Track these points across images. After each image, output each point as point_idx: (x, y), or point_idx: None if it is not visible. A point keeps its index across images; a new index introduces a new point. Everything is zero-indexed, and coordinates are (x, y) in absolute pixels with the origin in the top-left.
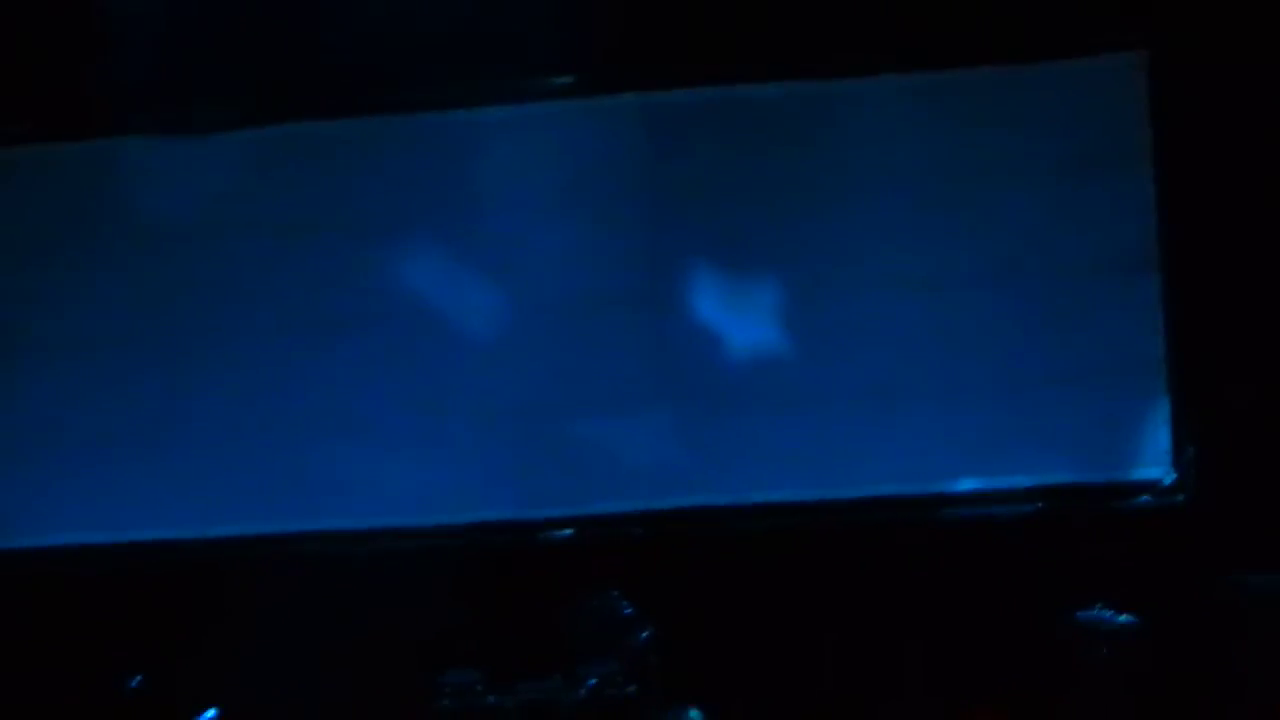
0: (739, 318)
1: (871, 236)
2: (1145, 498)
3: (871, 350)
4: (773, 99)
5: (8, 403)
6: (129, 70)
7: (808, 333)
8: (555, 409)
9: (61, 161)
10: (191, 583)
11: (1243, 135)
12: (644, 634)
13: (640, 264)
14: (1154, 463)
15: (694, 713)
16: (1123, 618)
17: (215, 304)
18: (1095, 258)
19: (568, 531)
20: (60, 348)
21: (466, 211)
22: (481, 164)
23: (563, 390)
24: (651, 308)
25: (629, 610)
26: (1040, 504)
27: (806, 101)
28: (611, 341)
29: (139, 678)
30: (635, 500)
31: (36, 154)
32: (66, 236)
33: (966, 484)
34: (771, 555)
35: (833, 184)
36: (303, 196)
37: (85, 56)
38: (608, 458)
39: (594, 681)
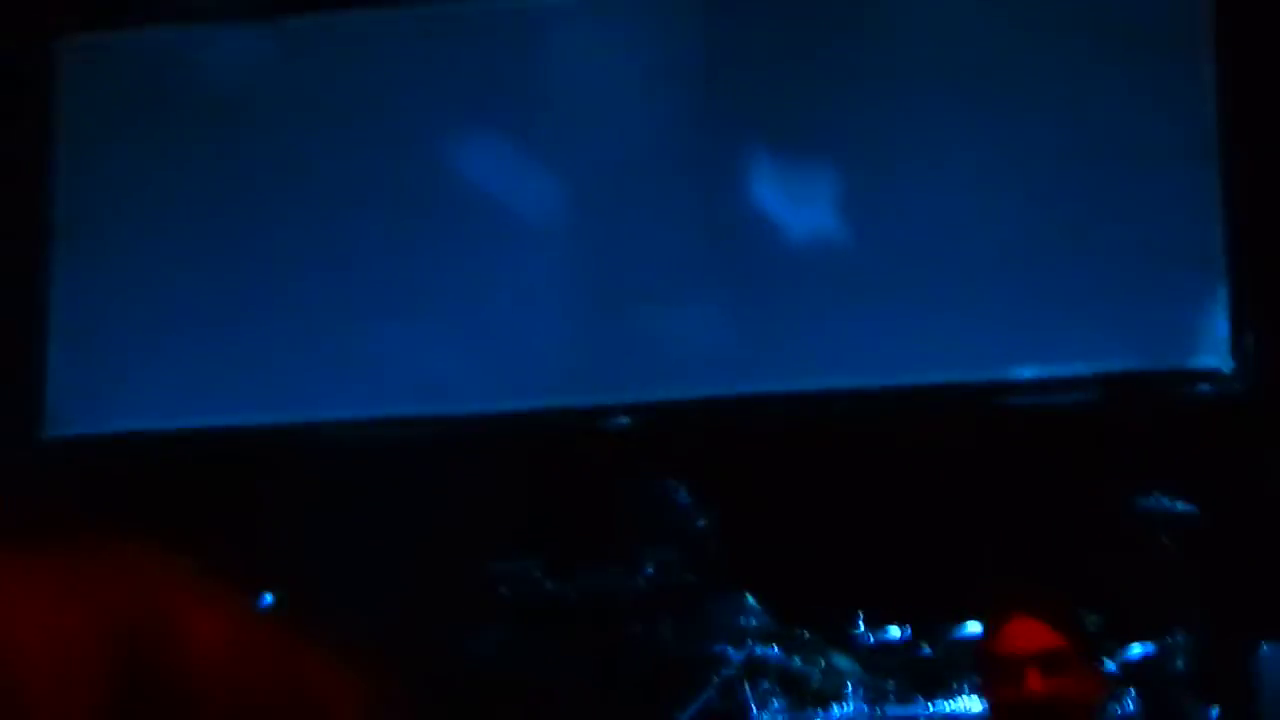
0: (796, 203)
1: (930, 122)
2: (1204, 386)
3: (928, 234)
4: None
5: (88, 286)
6: None
7: (865, 219)
8: (611, 295)
9: (122, 47)
10: (247, 470)
11: None
12: (702, 522)
13: (697, 148)
14: (1213, 351)
15: (751, 600)
16: (1181, 506)
17: (270, 189)
18: (1155, 144)
19: (625, 419)
20: (125, 228)
21: (519, 99)
22: (533, 51)
23: (619, 277)
24: (708, 193)
25: (687, 498)
26: (1098, 392)
27: None
28: (667, 227)
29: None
30: (692, 387)
31: (98, 40)
32: (140, 121)
33: (1024, 371)
34: (829, 442)
35: (887, 67)
36: (356, 83)
37: None
38: (665, 344)
39: (652, 569)
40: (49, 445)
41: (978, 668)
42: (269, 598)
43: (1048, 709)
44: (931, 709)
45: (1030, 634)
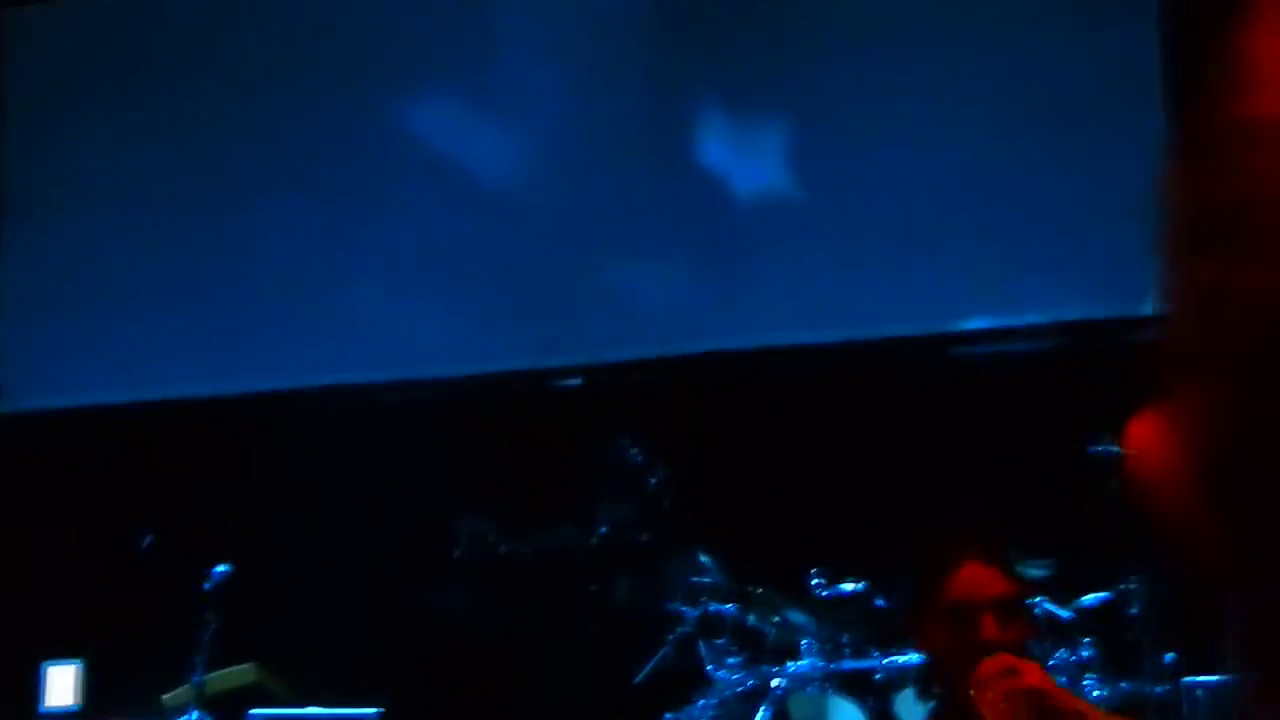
0: (750, 159)
1: (880, 73)
2: (1156, 332)
3: (881, 189)
4: None
5: (38, 258)
6: None
7: (818, 173)
8: (564, 256)
9: (68, 16)
10: (203, 440)
11: None
12: (654, 480)
13: (650, 106)
14: None
15: (705, 558)
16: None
17: (223, 157)
18: (1109, 89)
19: (577, 379)
20: (75, 201)
21: (473, 56)
22: (489, 8)
23: (571, 237)
24: (662, 150)
25: (640, 456)
26: (1051, 340)
27: None
28: (620, 186)
29: (150, 537)
30: (645, 346)
31: (44, 11)
32: (94, 84)
33: (980, 321)
34: (781, 398)
35: (838, 19)
36: (305, 44)
37: None
38: (618, 303)
39: (605, 528)
40: (3, 419)
41: (913, 616)
42: (226, 567)
43: (995, 651)
44: (887, 661)
45: (984, 580)
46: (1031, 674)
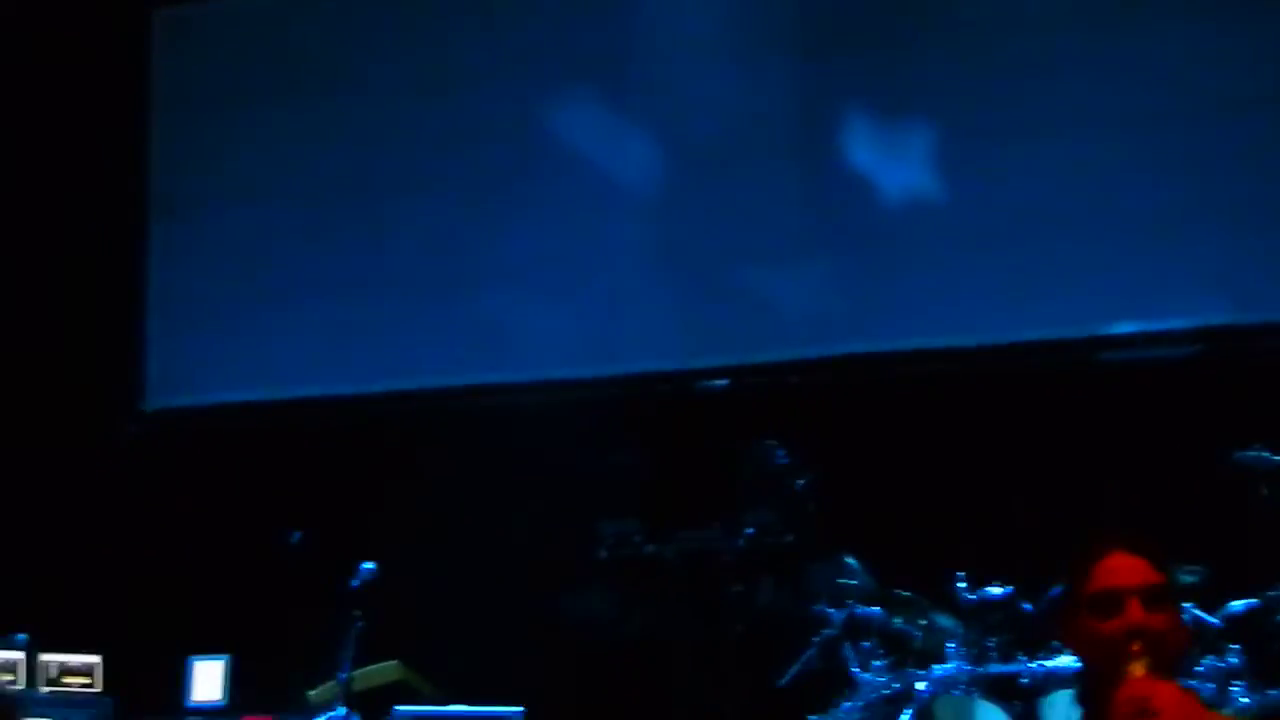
0: (893, 162)
1: (1025, 76)
2: None
3: (1025, 192)
4: None
5: (189, 258)
6: None
7: (962, 176)
8: (710, 258)
9: (218, 17)
10: (349, 438)
11: None
12: (801, 482)
13: (794, 110)
14: None
15: (851, 560)
16: None
17: (369, 159)
18: (1256, 93)
19: (724, 381)
20: (221, 201)
21: (620, 61)
22: (634, 12)
23: (717, 239)
24: (806, 155)
25: (786, 459)
26: (1198, 346)
27: None
28: (766, 189)
29: (299, 533)
30: (792, 348)
31: (205, 11)
32: (238, 92)
33: (1124, 327)
34: (928, 401)
35: (985, 24)
36: (454, 50)
37: None
38: (764, 306)
39: (752, 530)
40: (150, 417)
41: (1064, 617)
42: (372, 565)
43: (1148, 638)
44: (1034, 666)
45: (1131, 568)
46: (1166, 712)
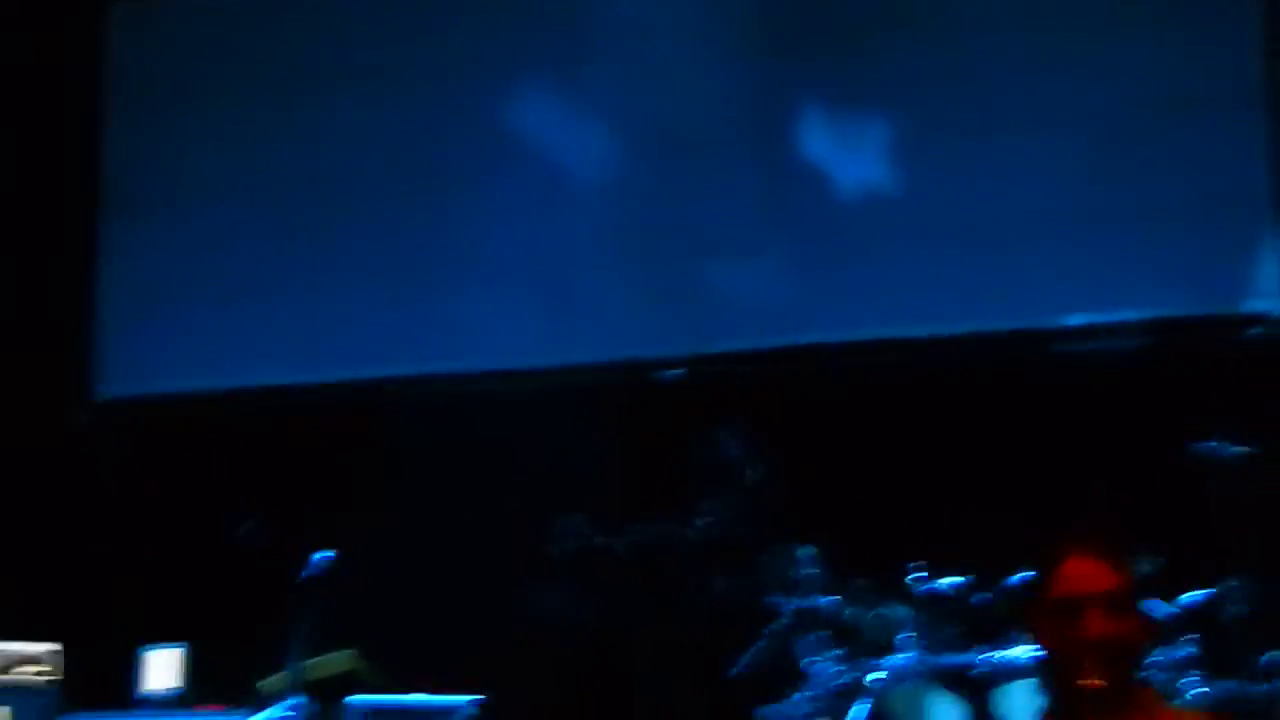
0: (849, 155)
1: (981, 72)
2: (1256, 329)
3: (979, 184)
4: None
5: (142, 251)
6: None
7: (917, 168)
8: (666, 249)
9: (174, 11)
10: (301, 427)
11: None
12: (754, 473)
13: (752, 101)
14: (1265, 295)
15: (804, 551)
16: (1235, 449)
17: (324, 153)
18: (1205, 90)
19: (679, 371)
20: (176, 196)
21: (577, 53)
22: (590, 8)
23: (673, 231)
24: (762, 147)
25: (739, 449)
26: (1150, 337)
27: None
28: (722, 181)
29: (253, 523)
30: (746, 339)
31: (161, 5)
32: (189, 88)
33: (1077, 318)
34: (882, 392)
35: (937, 19)
36: (416, 46)
37: None
38: (720, 296)
39: (704, 521)
40: (103, 406)
41: (1030, 612)
42: (326, 555)
43: (1108, 648)
44: (988, 657)
45: (1091, 574)
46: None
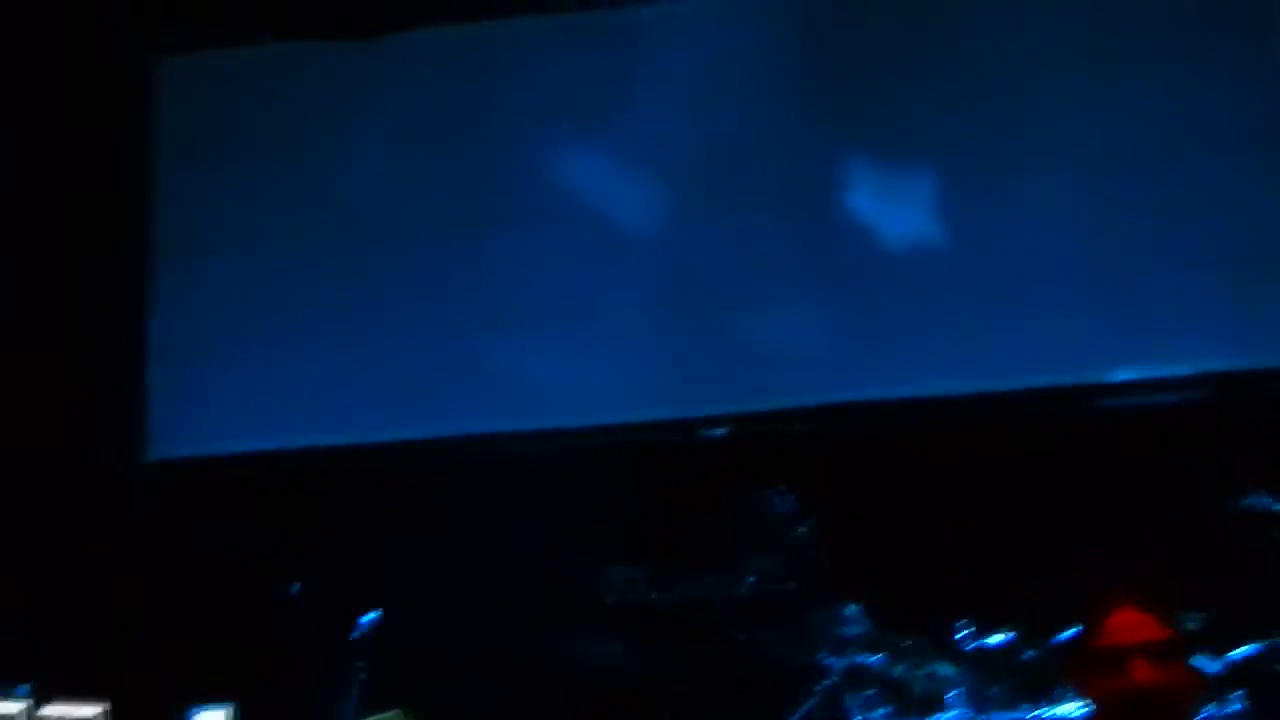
0: (893, 207)
1: (1025, 119)
2: None
3: (1028, 236)
4: None
5: (181, 306)
6: None
7: (963, 220)
8: (711, 305)
9: (220, 65)
10: (353, 487)
11: None
12: (802, 530)
13: (794, 156)
14: None
15: (853, 608)
16: None
17: (370, 207)
18: (1256, 139)
19: (723, 429)
20: (225, 250)
21: (621, 109)
22: (633, 62)
23: (718, 286)
24: (806, 200)
25: (787, 506)
26: (1200, 391)
27: None
28: (767, 235)
29: (299, 584)
30: (791, 396)
31: (208, 60)
32: (236, 141)
33: (1125, 373)
34: (930, 448)
35: (981, 67)
36: (461, 98)
37: None
38: (765, 353)
39: (754, 578)
40: (152, 468)
41: (1078, 664)
42: (375, 614)
43: (1152, 699)
44: (1036, 713)
45: (1135, 626)
46: None
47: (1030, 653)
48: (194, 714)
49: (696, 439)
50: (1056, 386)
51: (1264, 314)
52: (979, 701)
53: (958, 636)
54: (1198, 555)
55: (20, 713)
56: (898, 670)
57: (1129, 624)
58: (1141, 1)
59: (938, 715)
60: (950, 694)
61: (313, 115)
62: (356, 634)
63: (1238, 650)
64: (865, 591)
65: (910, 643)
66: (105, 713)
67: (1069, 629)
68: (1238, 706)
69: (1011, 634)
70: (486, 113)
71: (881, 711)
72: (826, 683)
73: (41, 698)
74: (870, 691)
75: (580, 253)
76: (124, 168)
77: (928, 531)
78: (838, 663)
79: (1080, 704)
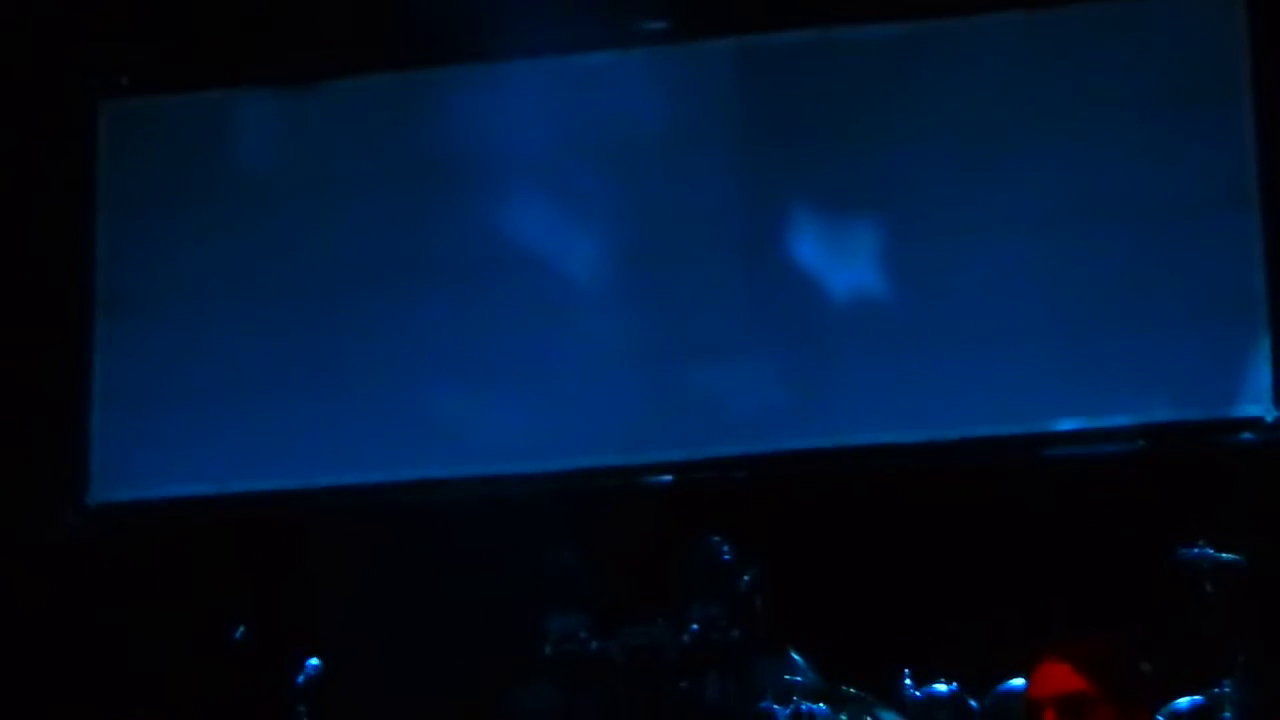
0: (836, 259)
1: (967, 175)
2: (1247, 434)
3: (969, 289)
4: (866, 40)
5: (133, 351)
6: (241, 19)
7: (905, 273)
8: (654, 354)
9: (175, 113)
10: (294, 533)
11: None
12: (747, 578)
13: (737, 208)
14: (1255, 400)
15: (797, 657)
16: (1226, 556)
17: (319, 254)
18: (1195, 193)
19: (668, 476)
20: (169, 297)
21: (561, 158)
22: (576, 110)
23: (661, 335)
24: (749, 251)
25: (731, 554)
26: (1142, 442)
27: (900, 43)
28: (709, 285)
29: (242, 629)
30: (736, 444)
31: (152, 105)
32: (178, 187)
33: (1067, 423)
34: (873, 498)
35: (926, 123)
36: (401, 146)
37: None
38: (708, 402)
39: (697, 626)
40: (94, 511)
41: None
42: (315, 662)
43: None
44: None
45: (1051, 679)
46: None
47: (974, 702)
48: None
49: (640, 486)
50: (1000, 435)
51: (1211, 365)
52: None
53: (902, 685)
54: (1141, 605)
55: None
56: (842, 718)
57: (1072, 677)
58: (1100, 62)
59: None
60: None
61: (255, 163)
62: (300, 679)
63: (1178, 701)
64: (810, 640)
65: (854, 691)
66: None
67: (1011, 679)
68: None
69: (954, 684)
70: (431, 162)
71: None
72: None
73: None
74: None
75: (524, 302)
76: (67, 212)
77: (872, 580)
78: (782, 712)
79: None
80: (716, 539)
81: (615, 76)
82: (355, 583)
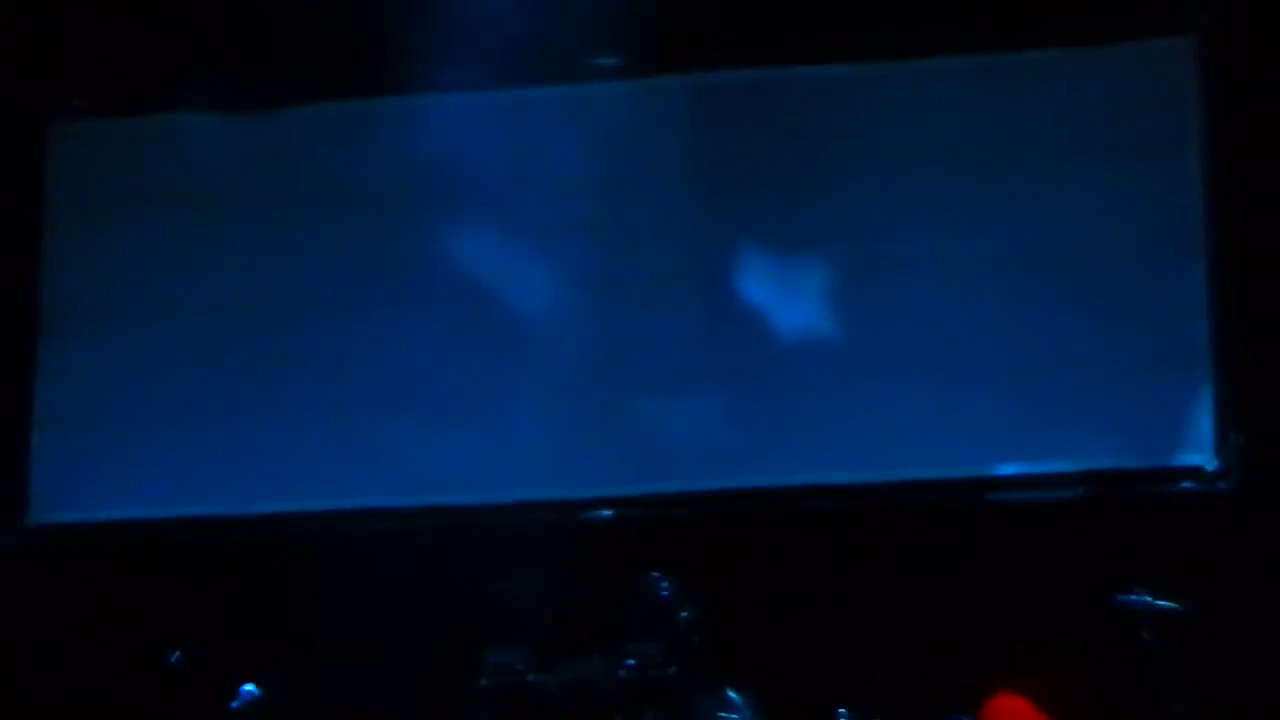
0: (785, 299)
1: (917, 219)
2: (1189, 484)
3: (917, 331)
4: (818, 80)
5: (77, 373)
6: (192, 43)
7: (853, 315)
8: (601, 389)
9: (125, 136)
10: (233, 559)
11: None
12: (685, 615)
13: (686, 244)
14: (1198, 449)
15: (733, 694)
16: (1164, 603)
17: (266, 280)
18: (1141, 242)
19: (608, 511)
20: (113, 318)
21: (511, 191)
22: (528, 144)
23: (608, 370)
24: (697, 288)
25: (670, 591)
26: (1084, 488)
27: (852, 84)
28: (657, 322)
29: (178, 654)
30: (680, 481)
31: (102, 128)
32: (126, 210)
33: (1010, 468)
34: (815, 537)
35: (878, 166)
36: (348, 175)
37: (154, 31)
38: (653, 437)
39: (634, 661)
40: (33, 531)
41: None
42: (250, 688)
43: None
44: None
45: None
46: None
47: None
48: None
49: (581, 520)
50: (944, 479)
51: (1153, 414)
52: None
53: None
54: (1080, 651)
55: None
56: None
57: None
58: (1049, 109)
59: None
60: None
61: (204, 188)
62: (236, 704)
63: None
64: (748, 678)
65: None
66: None
67: (949, 718)
68: None
69: None
70: (381, 192)
71: None
72: None
73: None
74: None
75: (472, 333)
76: (13, 232)
77: (811, 620)
78: None
79: None
80: (656, 575)
81: (568, 111)
82: (294, 610)
